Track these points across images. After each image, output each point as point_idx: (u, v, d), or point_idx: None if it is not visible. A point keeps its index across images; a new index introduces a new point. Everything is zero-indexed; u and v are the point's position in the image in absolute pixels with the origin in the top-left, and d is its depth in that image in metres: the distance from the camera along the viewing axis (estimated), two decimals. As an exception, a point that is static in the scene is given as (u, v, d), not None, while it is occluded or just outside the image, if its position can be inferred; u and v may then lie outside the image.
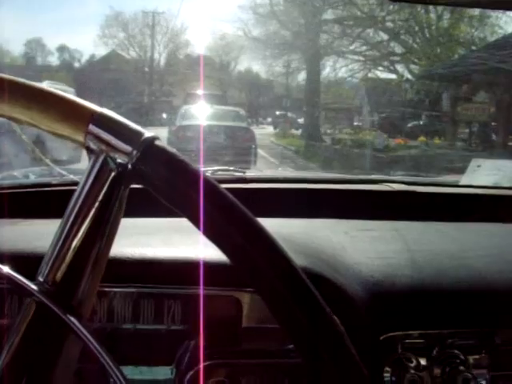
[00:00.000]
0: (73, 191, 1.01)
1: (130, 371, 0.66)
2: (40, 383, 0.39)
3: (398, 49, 17.47)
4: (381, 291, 0.70)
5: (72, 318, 0.38)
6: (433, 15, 15.69)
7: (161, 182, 0.38)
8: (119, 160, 0.40)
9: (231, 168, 1.10)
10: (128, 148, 0.39)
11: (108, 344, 0.67)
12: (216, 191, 0.38)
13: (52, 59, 29.21)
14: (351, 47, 17.94)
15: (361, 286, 0.70)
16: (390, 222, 0.95)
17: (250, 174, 1.09)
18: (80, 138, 0.40)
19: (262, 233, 0.38)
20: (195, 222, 0.38)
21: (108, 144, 0.40)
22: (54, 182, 0.99)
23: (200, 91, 14.49)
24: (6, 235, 0.77)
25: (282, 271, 0.37)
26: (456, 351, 0.69)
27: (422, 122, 16.45)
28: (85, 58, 28.56)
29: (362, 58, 18.14)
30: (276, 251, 0.38)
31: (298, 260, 0.71)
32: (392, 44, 17.27)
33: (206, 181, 0.38)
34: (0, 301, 0.67)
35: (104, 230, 0.41)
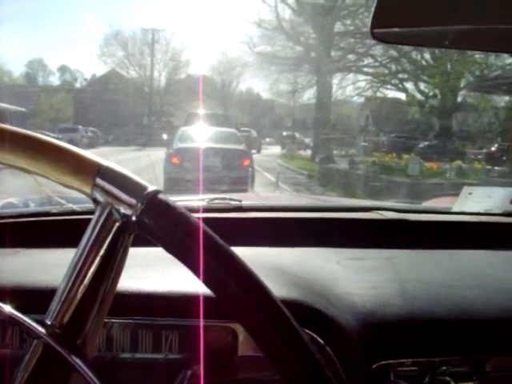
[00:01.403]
0: (72, 221, 1.06)
1: None
2: None
3: (407, 66, 17.50)
4: (373, 321, 0.74)
5: (77, 359, 0.41)
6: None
7: (163, 233, 0.43)
8: (124, 211, 0.44)
9: (227, 197, 1.15)
10: (132, 200, 0.43)
11: (107, 373, 0.73)
12: (214, 242, 0.42)
13: (53, 79, 29.58)
14: (359, 64, 17.96)
15: (353, 317, 0.74)
16: (381, 250, 0.99)
17: (246, 202, 1.14)
18: (87, 190, 0.44)
19: (259, 285, 0.42)
20: (195, 271, 0.42)
21: (114, 196, 0.44)
22: (53, 210, 1.03)
23: (202, 111, 14.55)
24: (7, 266, 0.81)
25: (271, 314, 0.42)
26: (447, 378, 0.73)
27: (434, 142, 16.40)
28: (85, 78, 28.88)
29: (369, 77, 18.14)
30: (273, 304, 0.42)
31: (292, 293, 0.75)
32: (401, 61, 17.31)
33: (205, 232, 0.42)
34: (2, 332, 0.71)
35: (110, 274, 0.45)
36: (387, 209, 1.18)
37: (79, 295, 0.43)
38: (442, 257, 1.00)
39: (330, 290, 0.79)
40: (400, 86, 17.93)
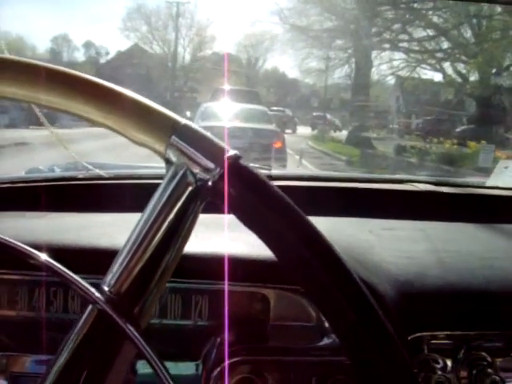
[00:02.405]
0: (98, 185, 1.09)
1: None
2: None
3: (445, 45, 17.08)
4: (410, 291, 0.74)
5: (131, 328, 0.40)
6: (486, 7, 15.30)
7: (241, 203, 0.41)
8: (200, 175, 0.42)
9: (257, 165, 1.16)
10: (210, 164, 0.41)
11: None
12: (300, 220, 0.41)
13: (78, 55, 29.82)
14: (396, 40, 17.50)
15: (390, 285, 0.74)
16: (415, 221, 0.99)
17: (275, 171, 1.15)
18: (160, 148, 0.43)
19: (343, 268, 0.41)
20: (273, 249, 0.41)
21: (190, 158, 0.42)
22: (79, 175, 1.06)
23: (228, 87, 14.22)
24: (36, 228, 0.83)
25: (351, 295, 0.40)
26: (483, 353, 0.73)
27: (472, 126, 16.04)
28: (109, 53, 29.04)
29: (404, 56, 17.73)
30: (352, 280, 0.40)
31: None
32: (439, 40, 16.91)
33: (291, 208, 0.41)
34: (31, 291, 0.74)
35: (175, 244, 0.44)
36: (421, 181, 1.18)
37: (141, 262, 0.42)
38: (478, 229, 1.00)
39: (366, 257, 0.79)
40: (437, 66, 17.54)
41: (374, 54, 17.65)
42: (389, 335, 0.40)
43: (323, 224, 0.93)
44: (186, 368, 0.73)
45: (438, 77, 18.61)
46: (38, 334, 0.74)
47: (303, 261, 0.40)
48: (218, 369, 0.70)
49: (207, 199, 0.43)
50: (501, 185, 1.23)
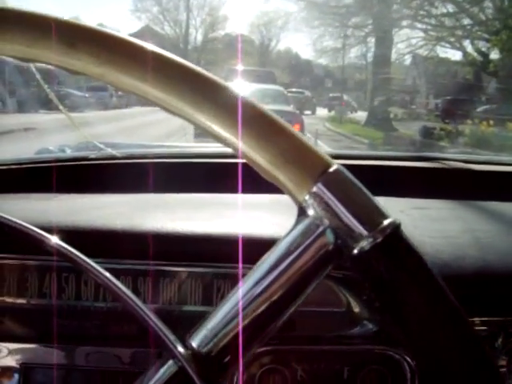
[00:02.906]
0: (111, 165, 1.06)
1: None
2: None
3: (466, 22, 16.79)
4: (449, 274, 0.70)
5: None
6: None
7: (388, 285, 0.35)
8: (343, 239, 0.35)
9: None
10: (362, 229, 0.34)
11: None
12: (458, 322, 0.36)
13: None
14: (415, 17, 17.21)
15: None
16: (445, 200, 0.96)
17: None
18: (298, 194, 0.35)
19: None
20: (407, 334, 0.35)
21: (335, 215, 0.35)
22: (91, 155, 1.03)
23: (242, 67, 14.10)
24: (46, 209, 0.81)
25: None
26: None
27: (494, 106, 15.78)
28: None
29: (422, 34, 17.47)
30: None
31: None
32: (459, 16, 16.63)
33: (450, 305, 0.36)
34: (41, 277, 0.72)
35: (290, 308, 0.37)
36: (449, 159, 1.14)
37: (245, 325, 0.36)
38: None
39: None
40: (457, 44, 17.28)
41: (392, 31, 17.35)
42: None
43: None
44: None
45: (456, 55, 18.31)
46: (49, 323, 0.72)
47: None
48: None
49: (342, 265, 0.37)
50: None
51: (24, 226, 0.41)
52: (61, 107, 0.99)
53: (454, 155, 1.21)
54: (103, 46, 0.35)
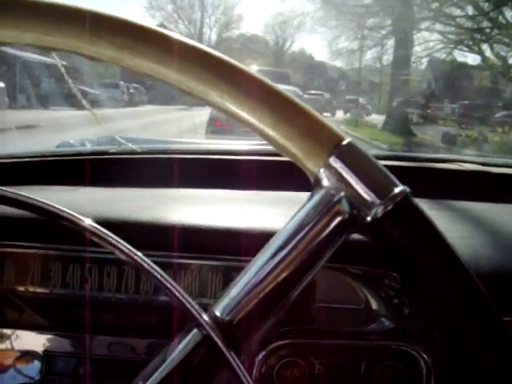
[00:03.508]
0: (131, 160, 1.08)
1: None
2: None
3: (484, 25, 16.62)
4: None
5: (238, 361, 0.37)
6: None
7: (400, 250, 0.37)
8: (357, 207, 0.37)
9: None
10: (375, 197, 0.36)
11: None
12: (469, 284, 0.37)
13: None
14: (433, 20, 17.04)
15: None
16: (462, 202, 0.97)
17: None
18: (313, 167, 0.38)
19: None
20: (422, 298, 0.37)
21: (349, 185, 0.37)
22: (112, 150, 1.06)
23: (257, 68, 14.12)
24: (71, 200, 0.84)
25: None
26: None
27: None
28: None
29: (440, 36, 17.31)
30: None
31: None
32: (478, 19, 16.49)
33: (461, 268, 0.37)
34: (64, 268, 0.74)
35: (307, 276, 0.39)
36: (467, 161, 1.15)
37: (265, 293, 0.38)
38: None
39: None
40: (475, 47, 17.14)
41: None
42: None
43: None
44: None
45: (473, 60, 18.15)
46: (71, 313, 0.75)
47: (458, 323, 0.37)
48: (263, 352, 0.69)
49: (356, 233, 0.39)
50: None
51: (58, 209, 0.42)
52: (84, 102, 1.02)
53: (471, 157, 1.22)
54: (120, 30, 0.37)
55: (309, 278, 0.39)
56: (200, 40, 26.69)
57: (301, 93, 10.41)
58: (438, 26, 17.14)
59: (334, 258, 0.68)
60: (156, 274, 0.40)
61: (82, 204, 0.80)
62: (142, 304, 0.73)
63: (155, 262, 0.71)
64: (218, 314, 0.38)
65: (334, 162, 0.37)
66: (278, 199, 0.85)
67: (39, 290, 0.75)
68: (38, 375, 0.73)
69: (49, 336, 0.73)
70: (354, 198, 0.37)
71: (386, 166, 1.07)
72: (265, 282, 0.38)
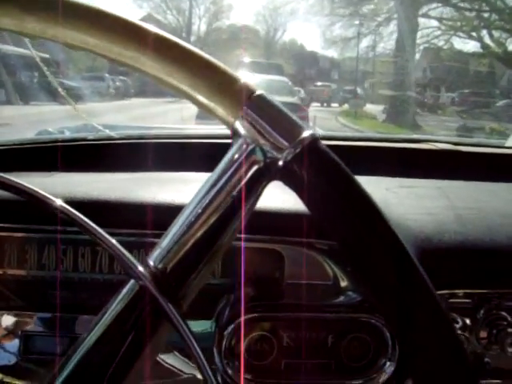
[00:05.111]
0: (109, 146, 1.12)
1: None
2: (127, 364, 0.42)
3: (484, 13, 16.58)
4: (429, 247, 0.76)
5: (174, 310, 0.40)
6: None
7: (312, 190, 0.39)
8: (270, 153, 0.40)
9: None
10: (283, 142, 0.40)
11: None
12: (375, 216, 0.40)
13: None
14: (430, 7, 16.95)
15: (409, 242, 0.76)
16: (433, 180, 1.02)
17: None
18: (229, 118, 0.41)
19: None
20: (339, 240, 0.39)
21: (261, 133, 0.40)
22: (90, 137, 1.10)
23: (249, 59, 13.98)
24: (46, 183, 0.88)
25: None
26: (503, 313, 0.76)
27: None
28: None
29: (437, 23, 17.21)
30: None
31: None
32: (476, 4, 16.43)
33: (367, 201, 0.40)
34: (40, 249, 0.79)
35: (233, 224, 0.42)
36: (440, 141, 1.20)
37: (193, 240, 0.41)
38: (498, 188, 1.02)
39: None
40: (473, 34, 17.08)
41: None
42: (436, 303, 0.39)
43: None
44: (199, 326, 0.76)
45: (473, 47, 18.06)
46: (48, 294, 0.79)
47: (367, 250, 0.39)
48: (232, 326, 0.73)
49: (275, 180, 0.42)
50: None
51: (30, 188, 0.45)
52: (60, 89, 1.06)
53: (443, 137, 1.27)
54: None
55: (235, 225, 0.43)
56: (189, 30, 26.59)
57: (290, 83, 10.31)
58: (434, 13, 17.06)
59: (300, 233, 0.73)
60: (98, 234, 0.43)
61: (56, 186, 0.84)
62: (117, 283, 0.78)
63: (127, 240, 0.75)
64: (151, 263, 0.42)
65: (247, 112, 0.41)
66: None
67: (16, 272, 0.79)
68: (16, 355, 0.77)
69: (26, 317, 0.78)
70: (267, 146, 0.40)
71: (360, 146, 1.11)
72: (192, 230, 0.41)
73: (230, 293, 0.78)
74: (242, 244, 0.74)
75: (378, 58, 21.54)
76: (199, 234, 0.41)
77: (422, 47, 18.52)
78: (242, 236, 0.71)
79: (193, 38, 26.33)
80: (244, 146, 0.41)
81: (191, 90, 0.41)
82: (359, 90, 22.09)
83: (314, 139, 0.40)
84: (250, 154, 0.41)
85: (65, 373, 0.40)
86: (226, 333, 0.73)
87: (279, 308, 0.76)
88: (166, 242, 0.42)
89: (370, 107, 18.55)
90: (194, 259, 0.42)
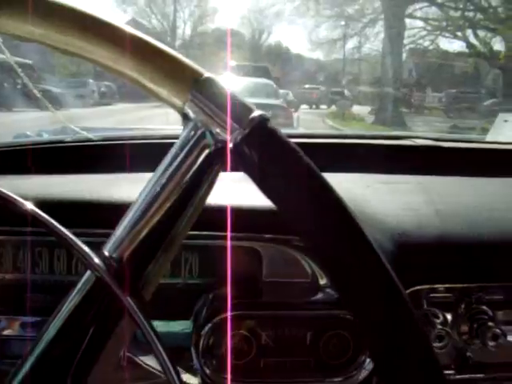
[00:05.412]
0: (87, 147, 1.12)
1: None
2: (90, 358, 0.41)
3: (468, 12, 16.71)
4: (408, 242, 0.77)
5: (131, 301, 0.39)
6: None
7: (262, 171, 0.39)
8: (220, 135, 0.40)
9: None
10: (233, 124, 0.40)
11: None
12: (326, 194, 0.39)
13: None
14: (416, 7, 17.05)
15: (387, 237, 0.76)
16: (413, 176, 1.02)
17: None
18: (178, 102, 0.41)
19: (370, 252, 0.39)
20: (291, 219, 0.39)
21: (210, 116, 0.40)
22: (67, 139, 1.09)
23: (235, 63, 14.00)
24: (20, 185, 0.87)
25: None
26: (484, 307, 0.76)
27: (501, 99, 15.61)
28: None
29: (422, 24, 17.32)
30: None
31: None
32: (461, 5, 16.57)
33: (319, 180, 0.39)
34: (15, 252, 0.78)
35: (187, 211, 0.42)
36: (421, 137, 1.21)
37: (148, 228, 0.41)
38: (478, 183, 1.03)
39: (361, 210, 0.81)
40: (458, 33, 17.20)
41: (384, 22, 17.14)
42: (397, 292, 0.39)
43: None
44: (177, 326, 0.77)
45: (459, 46, 18.22)
46: (24, 296, 0.78)
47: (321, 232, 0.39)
48: (209, 325, 0.73)
49: (227, 163, 0.41)
50: (501, 139, 1.25)
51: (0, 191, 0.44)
52: (36, 92, 1.05)
53: (424, 133, 1.28)
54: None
55: (194, 209, 0.43)
56: (174, 34, 26.58)
57: (274, 86, 10.34)
58: (420, 13, 17.17)
59: (278, 230, 0.73)
60: (56, 229, 0.43)
61: (31, 188, 0.83)
62: None
63: (99, 241, 0.75)
64: (106, 254, 0.41)
65: (195, 96, 0.40)
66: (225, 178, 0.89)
67: None
68: None
69: (2, 321, 0.77)
70: (216, 128, 0.40)
71: (341, 143, 1.11)
72: (145, 218, 0.41)
73: (208, 292, 0.78)
74: (229, 243, 0.74)
75: (365, 59, 21.64)
76: (153, 222, 0.41)
77: (408, 47, 18.59)
78: (228, 235, 0.72)
79: (178, 42, 26.36)
80: (193, 131, 0.41)
81: (139, 76, 0.41)
82: (346, 92, 22.20)
83: (263, 119, 0.40)
84: (199, 139, 0.41)
85: (23, 369, 0.40)
86: (203, 332, 0.73)
87: (257, 306, 0.77)
88: (119, 231, 0.42)
89: (357, 108, 18.60)
90: (149, 247, 0.42)
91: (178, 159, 0.41)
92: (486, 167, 1.08)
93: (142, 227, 0.41)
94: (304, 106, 21.35)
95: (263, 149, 0.39)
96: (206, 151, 0.42)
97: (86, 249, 0.41)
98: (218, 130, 0.40)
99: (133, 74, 0.41)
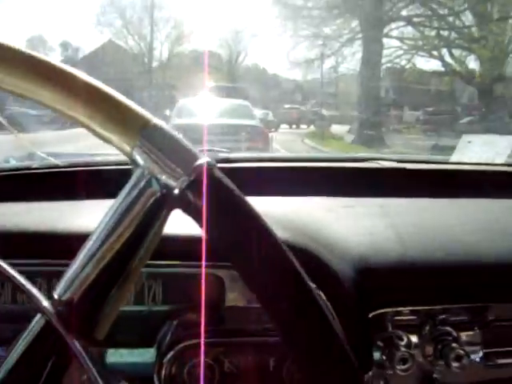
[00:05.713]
0: (54, 174, 1.11)
1: (109, 355, 0.75)
2: None
3: (443, 32, 16.97)
4: (368, 267, 0.78)
5: (78, 345, 0.39)
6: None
7: (206, 216, 0.40)
8: (166, 182, 0.41)
9: (215, 148, 1.21)
10: (178, 170, 0.41)
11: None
12: (272, 245, 0.41)
13: (55, 55, 29.66)
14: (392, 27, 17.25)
15: (348, 263, 0.77)
16: (375, 198, 1.04)
17: (233, 154, 1.20)
18: (126, 148, 0.42)
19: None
20: (240, 270, 0.41)
21: (156, 162, 0.41)
22: (34, 165, 1.09)
23: (213, 83, 14.04)
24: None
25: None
26: (448, 328, 0.78)
27: (477, 118, 15.75)
28: (82, 51, 28.96)
29: (399, 43, 17.55)
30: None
31: (280, 234, 0.78)
32: (436, 23, 16.81)
33: (265, 233, 0.41)
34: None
35: (138, 252, 0.43)
36: (385, 159, 1.23)
37: (97, 270, 0.41)
38: (441, 204, 1.05)
39: (322, 235, 0.82)
40: (434, 53, 17.46)
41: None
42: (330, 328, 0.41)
43: (280, 204, 0.98)
44: (141, 354, 0.76)
45: (435, 65, 18.50)
46: None
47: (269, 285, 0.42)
48: (172, 353, 0.73)
49: (175, 208, 0.42)
50: (465, 160, 1.28)
51: None
52: (2, 120, 1.05)
53: (388, 155, 1.30)
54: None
55: (145, 250, 0.43)
56: (151, 55, 26.61)
57: (250, 106, 10.39)
58: (396, 33, 17.39)
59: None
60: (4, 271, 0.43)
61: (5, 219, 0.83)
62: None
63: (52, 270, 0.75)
64: (56, 297, 0.41)
65: (143, 143, 0.42)
66: None
67: None
68: None
69: None
70: (163, 175, 0.41)
71: (306, 167, 1.13)
72: (96, 258, 0.42)
73: (172, 319, 0.78)
74: (203, 270, 0.74)
75: (342, 79, 21.85)
76: (104, 262, 0.42)
77: (384, 66, 18.79)
78: (203, 263, 0.71)
79: (155, 64, 26.40)
80: (140, 178, 0.42)
81: (89, 121, 0.42)
82: (324, 111, 22.37)
83: (209, 166, 0.41)
84: (146, 186, 0.42)
85: None
86: (165, 360, 0.73)
87: (219, 333, 0.77)
88: (70, 272, 0.42)
89: (336, 128, 18.73)
90: (102, 287, 0.42)
91: (126, 205, 0.42)
92: (448, 188, 1.10)
93: (93, 268, 0.42)
94: (284, 126, 21.45)
95: (207, 196, 0.40)
96: (153, 198, 0.42)
97: (35, 291, 0.41)
98: (164, 177, 0.41)
99: (84, 120, 0.42)
